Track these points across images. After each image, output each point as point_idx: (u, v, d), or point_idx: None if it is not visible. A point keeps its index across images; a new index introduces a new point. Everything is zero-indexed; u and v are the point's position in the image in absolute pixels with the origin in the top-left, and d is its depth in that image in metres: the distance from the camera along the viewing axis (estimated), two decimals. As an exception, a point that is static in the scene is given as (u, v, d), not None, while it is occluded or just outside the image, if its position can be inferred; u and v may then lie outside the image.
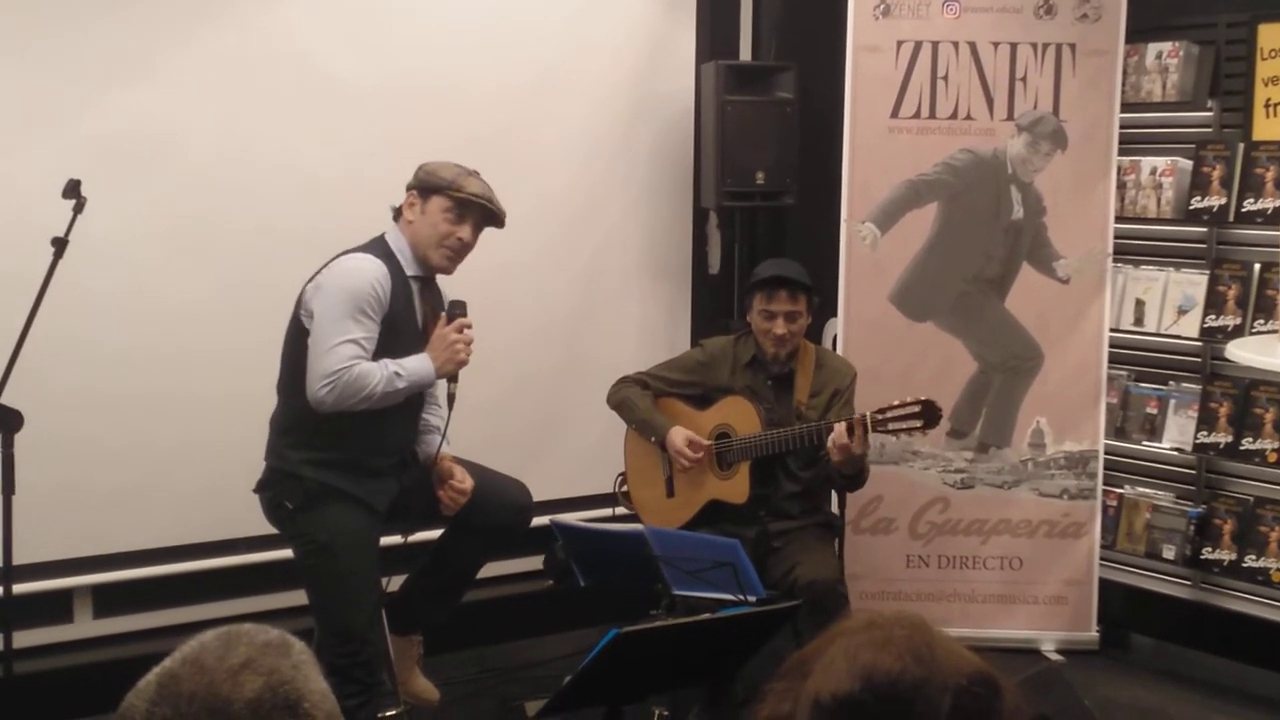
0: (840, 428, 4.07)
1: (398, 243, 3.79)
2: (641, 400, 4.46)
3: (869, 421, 4.11)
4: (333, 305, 3.60)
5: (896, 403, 4.12)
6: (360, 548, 3.76)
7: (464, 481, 3.93)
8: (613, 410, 4.52)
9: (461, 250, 3.82)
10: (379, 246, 3.76)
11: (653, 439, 4.44)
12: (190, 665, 1.33)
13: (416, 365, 3.69)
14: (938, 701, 1.29)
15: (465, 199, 3.76)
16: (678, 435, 4.36)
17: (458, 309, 3.81)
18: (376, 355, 3.63)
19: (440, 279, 3.91)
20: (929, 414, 4.10)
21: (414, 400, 3.86)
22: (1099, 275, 5.03)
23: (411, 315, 3.79)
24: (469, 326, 3.79)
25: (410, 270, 3.78)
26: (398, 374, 3.63)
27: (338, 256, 3.72)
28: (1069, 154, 5.01)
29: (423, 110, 4.79)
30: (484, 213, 3.82)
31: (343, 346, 3.56)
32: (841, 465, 4.16)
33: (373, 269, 3.66)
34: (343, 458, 3.72)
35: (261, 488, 3.82)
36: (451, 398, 3.80)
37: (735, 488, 4.34)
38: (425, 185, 3.78)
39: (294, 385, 3.72)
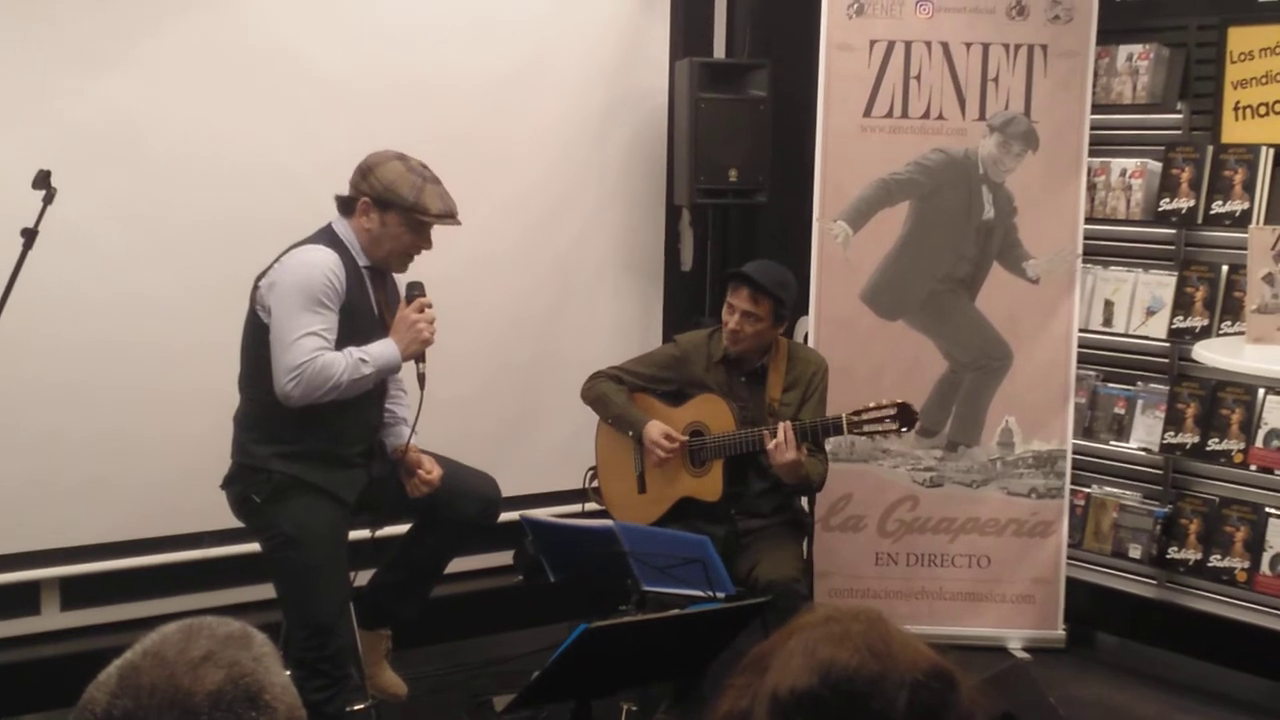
0: (771, 442, 4.11)
1: (346, 234, 3.75)
2: (617, 395, 4.46)
3: (844, 424, 4.14)
4: (289, 299, 3.58)
5: (872, 404, 4.14)
6: (328, 540, 3.75)
7: (431, 472, 3.93)
8: (588, 405, 4.52)
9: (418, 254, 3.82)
10: (328, 236, 3.73)
11: (629, 434, 4.44)
12: (151, 658, 1.33)
13: (381, 350, 3.69)
14: (894, 696, 1.29)
15: (427, 222, 3.73)
16: (654, 428, 4.36)
17: (416, 289, 3.79)
18: (337, 345, 3.62)
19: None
20: (905, 416, 4.13)
21: (377, 387, 3.85)
22: (1068, 276, 5.06)
23: (367, 303, 3.78)
24: (429, 305, 3.77)
25: (362, 261, 3.76)
26: (363, 360, 3.62)
27: (288, 250, 3.70)
28: (1040, 155, 5.04)
29: (397, 103, 4.78)
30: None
31: (304, 340, 3.55)
32: (781, 474, 4.18)
33: (325, 259, 3.64)
34: (310, 449, 3.71)
35: (228, 483, 3.81)
36: (422, 378, 3.78)
37: (708, 485, 4.35)
38: (384, 200, 3.70)
39: (255, 381, 3.71)
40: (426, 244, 3.79)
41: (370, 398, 3.84)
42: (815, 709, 1.29)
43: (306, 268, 3.62)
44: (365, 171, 3.74)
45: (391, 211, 3.70)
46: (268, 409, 3.68)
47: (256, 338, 3.69)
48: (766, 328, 4.32)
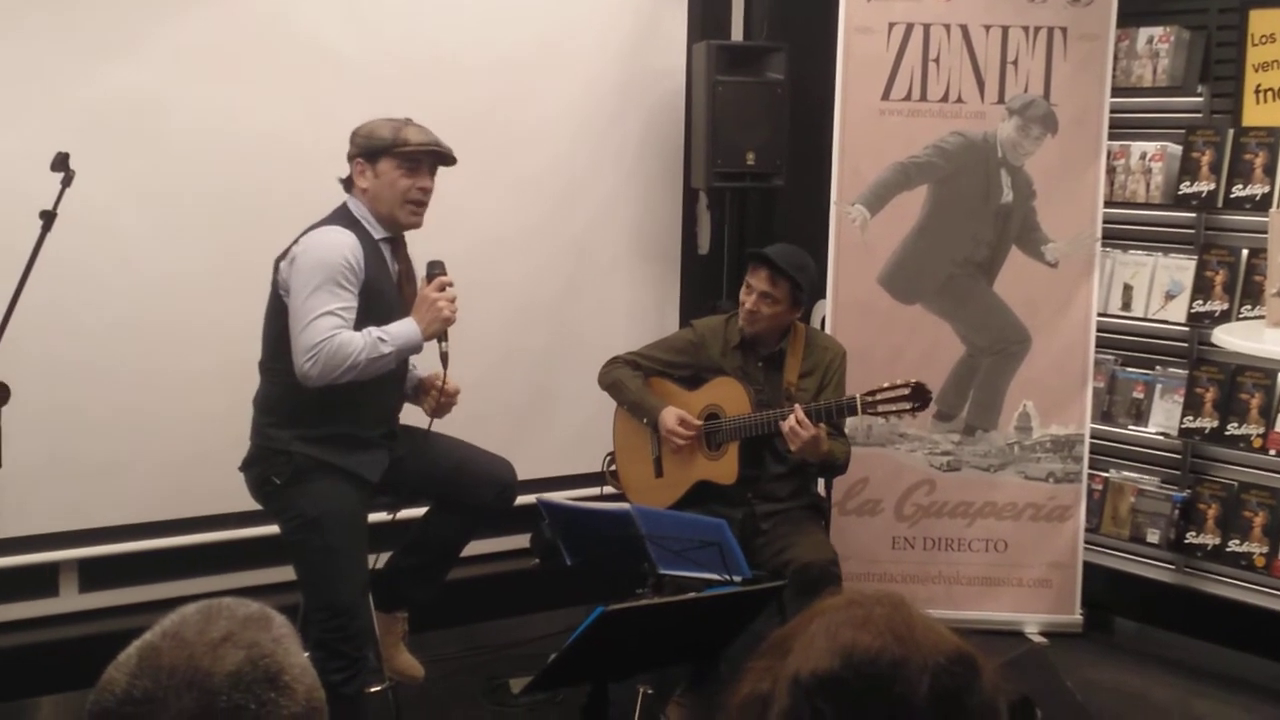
0: (784, 425, 4.10)
1: (359, 210, 3.77)
2: (633, 381, 4.46)
3: (859, 404, 4.13)
4: (308, 280, 3.59)
5: (886, 385, 4.14)
6: (349, 521, 3.75)
7: (446, 386, 3.92)
8: (604, 390, 4.52)
9: (425, 199, 3.80)
10: (344, 216, 3.75)
11: (645, 420, 4.44)
12: (170, 638, 1.33)
13: (401, 329, 3.68)
14: (917, 680, 1.29)
15: (413, 152, 3.75)
16: (670, 415, 4.36)
17: (436, 268, 3.79)
18: (359, 324, 3.62)
19: (414, 241, 3.89)
20: (919, 396, 4.12)
21: (397, 369, 3.85)
22: (1087, 259, 5.04)
23: (387, 278, 3.78)
24: (450, 284, 3.77)
25: (378, 234, 3.76)
26: (381, 339, 3.62)
27: (306, 231, 3.70)
28: (1059, 138, 5.02)
29: (412, 84, 4.76)
30: (434, 157, 3.80)
31: (321, 319, 3.55)
32: (802, 453, 4.17)
33: (344, 240, 3.64)
34: (330, 433, 3.71)
35: (247, 465, 3.81)
36: (445, 356, 3.79)
37: (724, 468, 4.35)
38: (369, 150, 3.74)
39: (276, 363, 3.72)
40: (424, 182, 3.78)
41: (389, 381, 3.84)
42: (837, 692, 1.29)
43: (325, 248, 3.62)
44: (351, 138, 3.80)
45: (379, 159, 3.73)
46: (288, 391, 3.68)
47: (277, 319, 3.70)
48: (784, 310, 4.32)
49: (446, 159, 3.83)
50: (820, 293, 5.05)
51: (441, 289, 3.75)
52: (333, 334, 3.55)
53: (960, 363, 5.13)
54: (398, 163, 3.73)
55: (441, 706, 4.50)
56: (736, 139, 5.25)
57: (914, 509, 5.17)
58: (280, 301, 3.69)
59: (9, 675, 4.31)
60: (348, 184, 3.82)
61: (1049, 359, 5.09)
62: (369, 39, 4.78)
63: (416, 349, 3.78)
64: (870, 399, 4.13)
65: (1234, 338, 4.27)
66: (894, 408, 4.14)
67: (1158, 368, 5.13)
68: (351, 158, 3.79)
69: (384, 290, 3.74)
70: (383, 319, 3.67)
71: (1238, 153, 4.82)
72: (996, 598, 5.15)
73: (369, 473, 3.79)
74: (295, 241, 3.68)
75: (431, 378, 3.96)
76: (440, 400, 3.94)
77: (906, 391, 4.11)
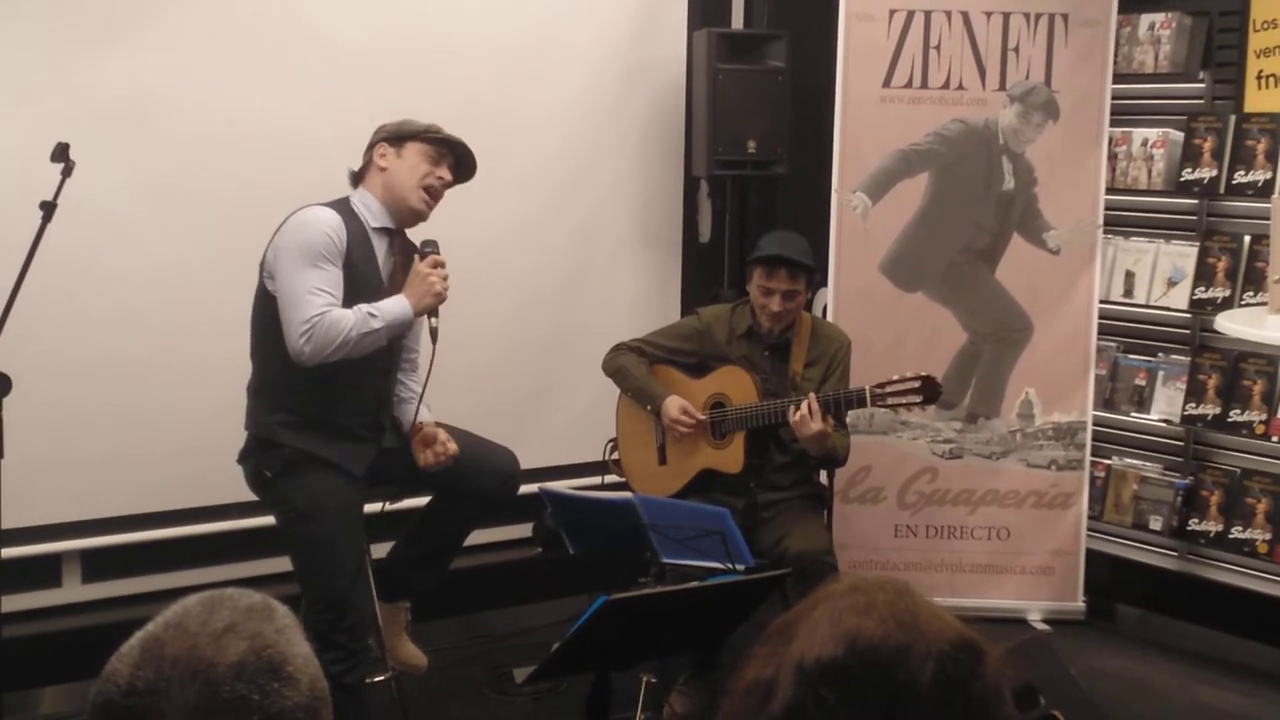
0: (793, 415, 4.10)
1: (362, 199, 3.78)
2: (637, 368, 4.46)
3: (868, 396, 4.11)
4: (290, 260, 3.59)
5: (896, 377, 4.12)
6: (340, 513, 3.74)
7: (447, 445, 3.91)
8: (608, 377, 4.51)
9: (440, 192, 3.81)
10: (339, 203, 3.75)
11: (649, 407, 4.44)
12: (173, 629, 1.33)
13: (391, 305, 3.67)
14: (920, 667, 1.29)
15: (445, 139, 3.80)
16: (673, 404, 4.36)
17: (430, 247, 3.80)
18: (344, 305, 3.62)
19: (416, 232, 3.88)
20: (929, 390, 4.10)
21: (386, 357, 3.84)
22: (1089, 246, 5.04)
23: (373, 267, 3.76)
24: (443, 263, 3.77)
25: (376, 222, 3.76)
26: (371, 315, 3.61)
27: (292, 214, 3.70)
28: (1060, 125, 5.01)
29: (415, 74, 4.77)
30: (457, 155, 3.83)
31: (311, 297, 3.55)
32: (808, 446, 4.17)
33: (325, 217, 3.65)
34: (316, 417, 3.70)
35: (244, 457, 3.81)
36: (434, 332, 3.75)
37: (730, 457, 4.34)
38: (399, 134, 3.78)
39: (264, 349, 3.72)
40: (444, 173, 3.81)
41: (377, 369, 3.82)
42: (840, 679, 1.29)
43: (305, 228, 3.63)
44: (379, 129, 3.83)
45: (407, 143, 3.77)
46: (275, 375, 3.69)
47: (262, 305, 3.70)
48: (804, 298, 4.35)
49: (467, 162, 3.86)
50: (822, 281, 5.05)
51: (435, 266, 3.75)
52: (324, 311, 3.54)
53: (962, 350, 5.13)
54: (424, 147, 3.78)
55: (445, 696, 4.50)
56: (737, 127, 5.24)
57: (916, 497, 5.17)
58: (263, 287, 3.69)
59: (12, 666, 4.30)
60: (356, 179, 3.83)
61: (1051, 346, 5.09)
62: (370, 30, 4.76)
63: (407, 324, 3.76)
64: (879, 391, 4.11)
65: (1236, 324, 4.25)
66: (903, 401, 4.12)
67: (1160, 355, 5.12)
68: (374, 144, 3.81)
69: (366, 275, 3.72)
70: (362, 302, 3.66)
71: (1240, 139, 4.81)
72: (999, 585, 5.16)
73: (354, 466, 3.78)
74: (281, 224, 3.68)
75: (429, 434, 3.90)
76: (429, 457, 3.89)
77: (916, 385, 4.10)
